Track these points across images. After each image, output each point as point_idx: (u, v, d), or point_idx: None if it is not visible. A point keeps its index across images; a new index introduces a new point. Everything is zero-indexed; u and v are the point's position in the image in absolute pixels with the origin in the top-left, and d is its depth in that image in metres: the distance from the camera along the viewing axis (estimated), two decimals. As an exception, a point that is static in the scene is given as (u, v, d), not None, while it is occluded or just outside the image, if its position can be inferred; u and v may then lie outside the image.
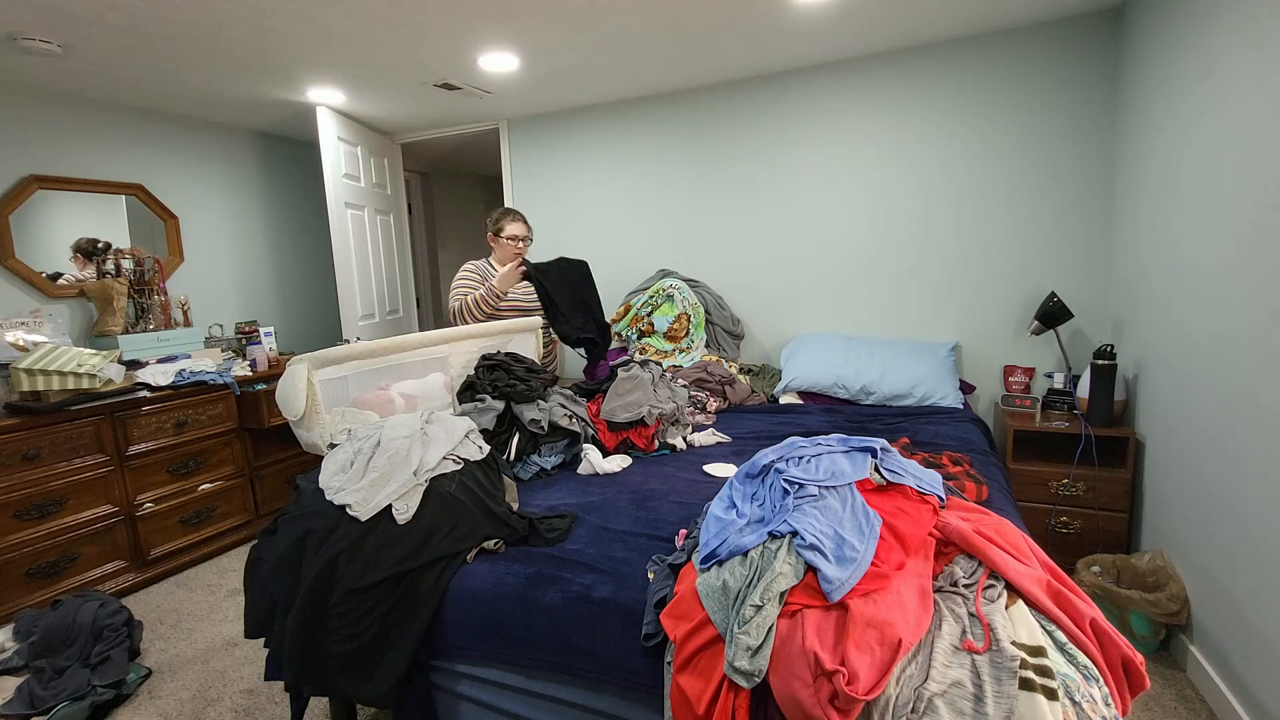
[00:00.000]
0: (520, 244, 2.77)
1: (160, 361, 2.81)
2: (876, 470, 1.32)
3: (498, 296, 2.64)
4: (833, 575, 1.03)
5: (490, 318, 2.66)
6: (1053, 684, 0.89)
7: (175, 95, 2.96)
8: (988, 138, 2.66)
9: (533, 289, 2.70)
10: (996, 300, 2.74)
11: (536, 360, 2.63)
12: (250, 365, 3.08)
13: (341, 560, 1.38)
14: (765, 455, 1.44)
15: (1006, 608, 1.02)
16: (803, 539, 1.11)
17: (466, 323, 2.61)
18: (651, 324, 3.12)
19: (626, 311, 3.20)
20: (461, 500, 1.53)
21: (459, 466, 1.63)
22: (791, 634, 0.99)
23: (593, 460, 1.98)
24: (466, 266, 2.77)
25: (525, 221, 2.81)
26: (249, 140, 3.67)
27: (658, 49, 2.64)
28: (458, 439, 1.71)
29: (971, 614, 1.01)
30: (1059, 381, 2.53)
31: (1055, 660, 0.94)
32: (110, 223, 3.03)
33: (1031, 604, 1.04)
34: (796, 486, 1.28)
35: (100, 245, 2.92)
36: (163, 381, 2.64)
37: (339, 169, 3.33)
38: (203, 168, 3.43)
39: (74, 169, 2.88)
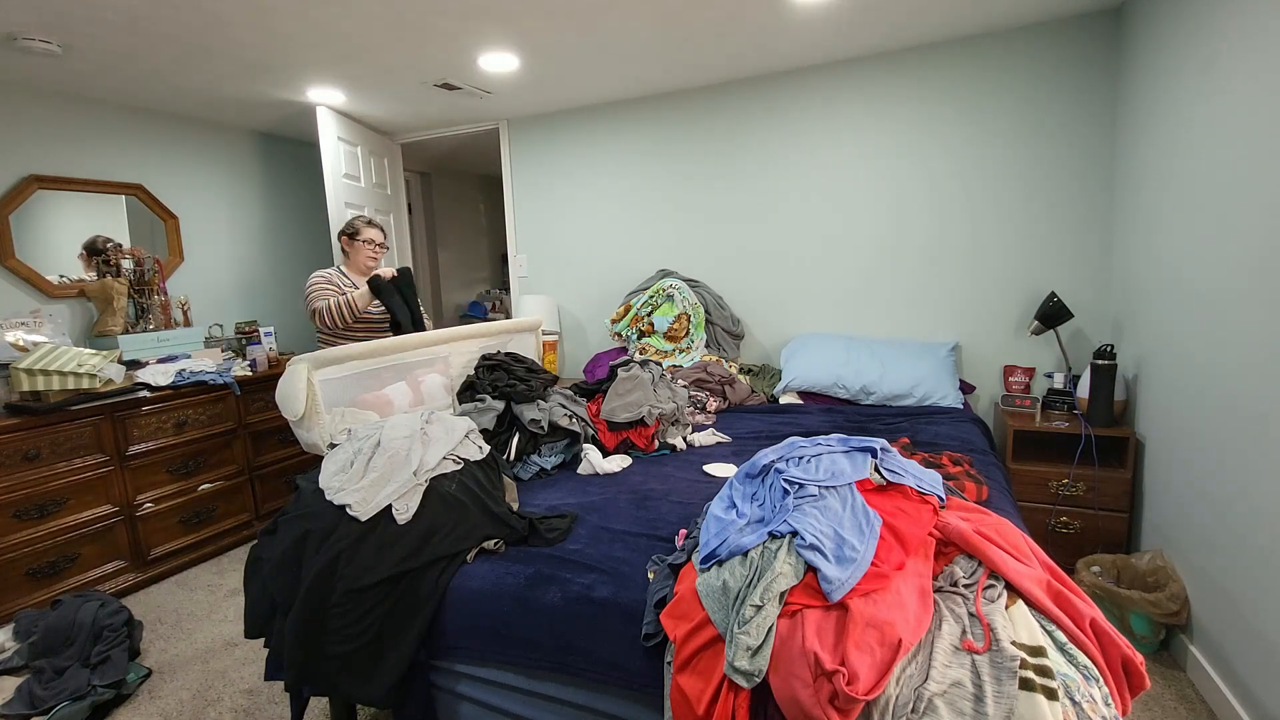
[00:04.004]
0: (378, 248, 2.71)
1: (160, 361, 2.81)
2: (876, 470, 1.32)
3: (353, 310, 2.52)
4: (833, 575, 1.03)
5: (343, 329, 2.57)
6: (1053, 684, 0.89)
7: (175, 95, 2.96)
8: (986, 138, 2.66)
9: (381, 306, 2.61)
10: (996, 300, 2.74)
11: (536, 360, 2.63)
12: (250, 365, 3.08)
13: (341, 560, 1.38)
14: (765, 455, 1.44)
15: (1006, 608, 1.02)
16: (803, 539, 1.11)
17: (334, 323, 2.50)
18: (651, 324, 3.12)
19: (626, 311, 3.20)
20: (461, 500, 1.53)
21: (459, 466, 1.63)
22: (791, 634, 0.99)
23: (593, 460, 1.98)
24: (316, 274, 2.63)
25: (383, 231, 2.77)
26: (249, 140, 3.67)
27: (658, 49, 2.64)
28: (458, 439, 1.71)
29: (971, 614, 1.01)
30: (1059, 381, 2.53)
31: (1055, 660, 0.94)
32: (110, 223, 3.02)
33: (1031, 604, 1.04)
34: (796, 486, 1.28)
35: (110, 244, 2.92)
36: (163, 381, 2.64)
37: (339, 169, 3.33)
38: (203, 168, 3.43)
39: (74, 169, 2.88)
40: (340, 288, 2.63)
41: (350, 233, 2.71)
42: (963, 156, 2.72)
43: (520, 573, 1.39)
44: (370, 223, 2.74)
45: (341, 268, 2.74)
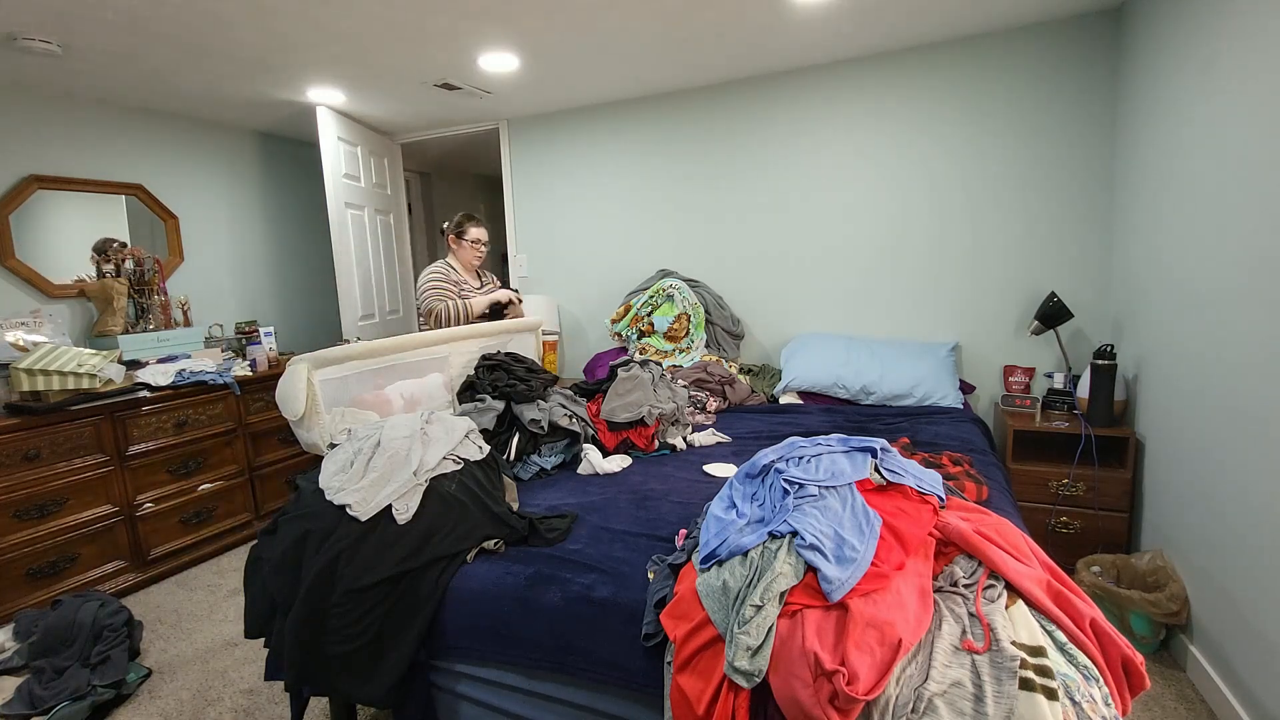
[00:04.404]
0: (482, 248, 2.77)
1: (160, 361, 2.81)
2: (876, 470, 1.32)
3: (469, 318, 2.63)
4: (833, 575, 1.03)
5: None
6: (1053, 684, 0.89)
7: (175, 95, 2.96)
8: (986, 138, 2.66)
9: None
10: (996, 300, 2.74)
11: (536, 360, 2.63)
12: (250, 365, 3.08)
13: (341, 560, 1.38)
14: (765, 455, 1.44)
15: (1006, 608, 1.02)
16: (803, 539, 1.11)
17: (440, 325, 2.58)
18: (651, 324, 3.12)
19: (626, 311, 3.20)
20: (461, 500, 1.53)
21: (459, 466, 1.63)
22: (791, 634, 0.99)
23: (593, 460, 1.98)
24: (433, 268, 2.72)
25: (487, 230, 2.82)
26: (249, 140, 3.67)
27: (658, 49, 2.64)
28: (458, 439, 1.71)
29: (971, 614, 1.01)
30: (1059, 381, 2.53)
31: (1055, 660, 0.94)
32: (110, 223, 3.02)
33: (1031, 604, 1.04)
34: (796, 486, 1.28)
35: (114, 244, 2.93)
36: (163, 381, 2.64)
37: (339, 169, 3.33)
38: (203, 168, 3.43)
39: (74, 169, 2.88)
40: (457, 286, 2.69)
41: (457, 232, 2.73)
42: (963, 156, 2.72)
43: (520, 573, 1.39)
44: (477, 222, 2.77)
45: (450, 262, 2.77)
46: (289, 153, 3.90)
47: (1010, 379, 2.67)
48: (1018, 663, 0.91)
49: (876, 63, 2.82)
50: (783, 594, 1.05)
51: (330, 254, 3.77)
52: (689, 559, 1.27)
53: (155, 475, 2.65)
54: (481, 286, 2.82)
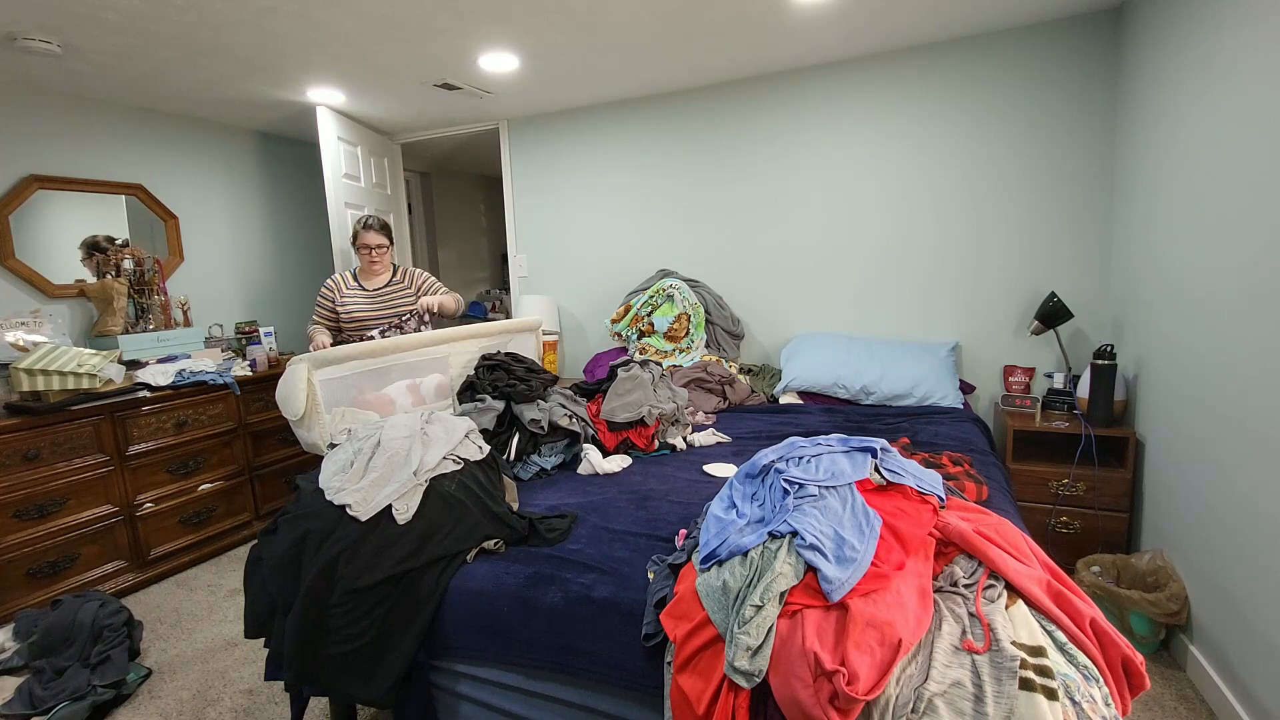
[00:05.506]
0: (371, 253, 2.72)
1: (160, 361, 2.81)
2: (876, 470, 1.32)
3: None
4: (833, 575, 1.03)
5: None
6: (1053, 684, 0.89)
7: (175, 95, 2.96)
8: (986, 138, 2.66)
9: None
10: (996, 300, 2.74)
11: (536, 360, 2.63)
12: (250, 365, 3.08)
13: (341, 560, 1.38)
14: (765, 455, 1.44)
15: (1006, 608, 1.02)
16: (803, 539, 1.11)
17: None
18: (651, 324, 3.12)
19: (626, 311, 3.20)
20: (461, 500, 1.53)
21: (459, 466, 1.63)
22: (791, 634, 0.99)
23: (593, 460, 1.98)
24: (326, 281, 2.74)
25: (382, 231, 2.74)
26: (249, 140, 3.67)
27: (658, 49, 2.63)
28: (457, 439, 1.71)
29: (971, 614, 1.01)
30: (1059, 381, 2.53)
31: (1055, 660, 0.94)
32: (110, 223, 3.02)
33: (1031, 604, 1.04)
34: (796, 486, 1.28)
35: (111, 241, 2.92)
36: (163, 381, 2.64)
37: (339, 169, 3.33)
38: (203, 168, 3.43)
39: (74, 169, 2.88)
40: (333, 305, 2.71)
41: (351, 237, 2.76)
42: (963, 156, 2.72)
43: (520, 573, 1.39)
44: (367, 225, 2.73)
45: (355, 271, 2.80)
46: (289, 153, 3.90)
47: (1010, 379, 2.67)
48: (1018, 663, 0.91)
49: (876, 63, 2.82)
50: (783, 594, 1.05)
51: (330, 254, 3.77)
52: (689, 559, 1.27)
53: (155, 475, 2.65)
54: (386, 287, 2.76)
